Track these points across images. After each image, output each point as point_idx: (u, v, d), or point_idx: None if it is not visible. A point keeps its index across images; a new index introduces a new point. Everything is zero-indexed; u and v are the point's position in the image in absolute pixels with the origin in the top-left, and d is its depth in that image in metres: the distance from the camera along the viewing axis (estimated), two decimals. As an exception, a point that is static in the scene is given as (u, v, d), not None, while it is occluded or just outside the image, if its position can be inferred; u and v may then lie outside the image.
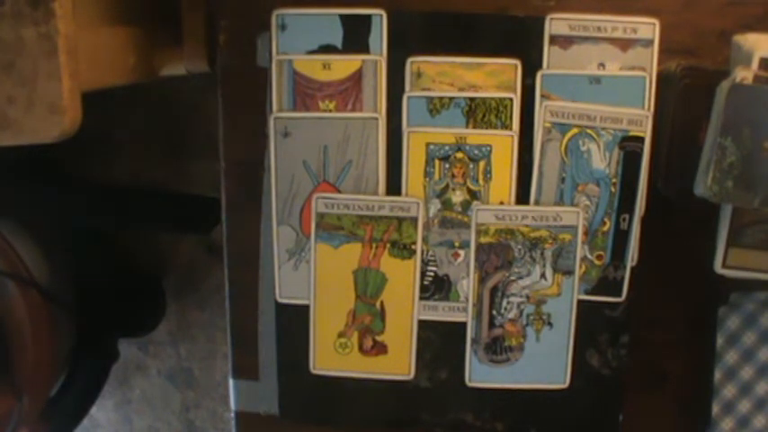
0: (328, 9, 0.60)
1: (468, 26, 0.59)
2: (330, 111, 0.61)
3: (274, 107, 0.61)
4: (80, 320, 1.19)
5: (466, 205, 0.61)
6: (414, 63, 0.60)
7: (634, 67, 0.59)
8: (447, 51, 0.60)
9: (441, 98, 0.60)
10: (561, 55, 0.59)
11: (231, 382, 0.67)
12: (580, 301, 0.62)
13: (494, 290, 0.62)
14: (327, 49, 0.60)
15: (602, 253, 0.62)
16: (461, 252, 0.62)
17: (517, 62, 0.59)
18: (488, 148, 0.61)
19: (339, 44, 0.60)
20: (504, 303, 0.63)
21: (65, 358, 1.19)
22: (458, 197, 0.61)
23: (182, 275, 1.44)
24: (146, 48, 0.80)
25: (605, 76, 0.59)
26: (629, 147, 0.60)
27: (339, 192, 0.62)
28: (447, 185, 0.61)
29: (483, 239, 0.62)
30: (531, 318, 0.63)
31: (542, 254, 0.61)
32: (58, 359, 1.12)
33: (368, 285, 0.63)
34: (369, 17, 0.60)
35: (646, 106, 0.59)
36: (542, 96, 0.60)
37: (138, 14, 0.80)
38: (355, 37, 0.60)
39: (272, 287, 0.64)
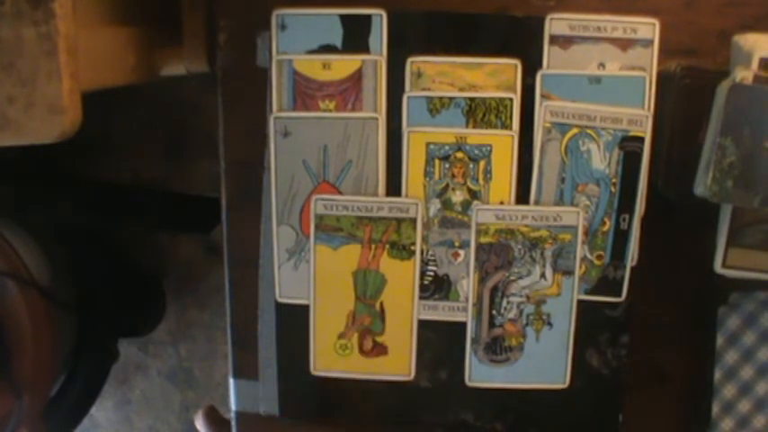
0: (328, 9, 0.60)
1: (468, 26, 0.59)
2: (330, 111, 0.61)
3: (274, 107, 0.61)
4: (80, 320, 1.19)
5: (466, 205, 0.61)
6: (414, 63, 0.60)
7: (634, 67, 0.59)
8: (447, 51, 0.60)
9: (441, 98, 0.60)
10: (561, 55, 0.59)
11: (231, 381, 0.67)
12: (580, 301, 0.62)
13: (494, 290, 0.62)
14: (327, 48, 0.60)
15: (602, 253, 0.62)
16: (461, 252, 0.62)
17: (517, 62, 0.59)
18: (488, 148, 0.61)
19: (339, 44, 0.60)
20: (504, 303, 0.63)
21: (65, 358, 1.18)
22: (458, 197, 0.61)
23: (181, 275, 1.44)
24: (146, 48, 0.80)
25: (605, 76, 0.59)
26: (629, 147, 0.59)
27: (339, 192, 0.62)
28: (447, 185, 0.61)
29: (483, 239, 0.62)
30: (531, 318, 0.63)
31: (542, 254, 0.61)
32: (58, 359, 1.12)
33: (367, 286, 0.63)
34: (369, 17, 0.60)
35: (646, 106, 0.59)
36: (542, 96, 0.60)
37: (138, 14, 0.79)
38: (355, 37, 0.60)
39: (272, 287, 0.64)
